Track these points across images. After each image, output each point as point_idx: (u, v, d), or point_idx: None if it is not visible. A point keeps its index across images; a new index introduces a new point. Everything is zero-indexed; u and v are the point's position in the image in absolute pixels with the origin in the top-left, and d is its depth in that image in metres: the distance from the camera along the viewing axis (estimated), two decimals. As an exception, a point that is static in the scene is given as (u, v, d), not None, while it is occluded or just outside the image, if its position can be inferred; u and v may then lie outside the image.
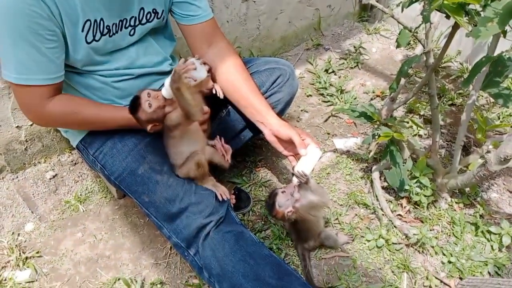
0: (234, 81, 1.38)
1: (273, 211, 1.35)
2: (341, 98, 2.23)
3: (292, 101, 1.61)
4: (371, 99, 2.28)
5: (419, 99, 2.22)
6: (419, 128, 2.02)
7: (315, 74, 2.43)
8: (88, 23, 1.17)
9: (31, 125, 1.70)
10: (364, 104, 1.64)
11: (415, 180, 1.58)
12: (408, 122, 1.99)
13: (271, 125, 1.38)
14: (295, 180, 1.38)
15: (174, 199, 1.26)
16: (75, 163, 1.84)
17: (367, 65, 2.56)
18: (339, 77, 2.43)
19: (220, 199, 1.31)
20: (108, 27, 1.22)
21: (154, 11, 1.32)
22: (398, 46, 1.44)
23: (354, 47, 2.66)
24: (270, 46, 2.54)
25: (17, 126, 1.67)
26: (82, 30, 1.16)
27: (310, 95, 2.29)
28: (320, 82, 2.34)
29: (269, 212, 1.40)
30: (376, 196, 1.68)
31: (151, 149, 1.34)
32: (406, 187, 1.57)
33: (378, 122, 1.57)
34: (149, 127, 1.22)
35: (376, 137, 1.47)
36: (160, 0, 1.31)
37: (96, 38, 1.20)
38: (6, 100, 1.59)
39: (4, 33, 1.06)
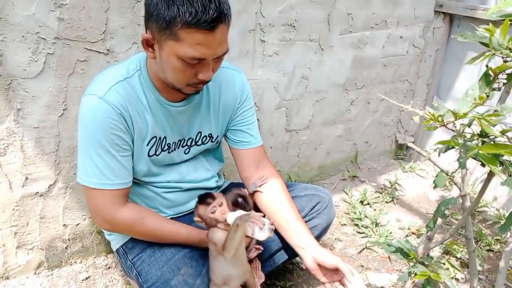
0: (277, 204, 1.45)
1: None
2: (376, 231, 2.23)
3: (328, 229, 1.64)
4: (407, 236, 2.27)
5: (455, 241, 2.19)
6: (455, 271, 1.96)
7: (350, 204, 2.47)
8: (154, 139, 1.32)
9: (77, 225, 1.80)
10: (401, 239, 1.64)
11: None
12: (444, 264, 1.94)
13: (314, 252, 1.37)
14: None
15: (202, 315, 1.26)
16: (109, 267, 1.87)
17: (402, 201, 2.59)
18: (374, 209, 2.47)
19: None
20: (168, 145, 1.37)
21: (210, 135, 1.47)
22: (435, 187, 1.49)
23: (390, 182, 2.74)
24: (307, 173, 2.65)
25: (64, 225, 1.77)
26: (147, 144, 1.31)
27: (345, 225, 2.31)
28: (355, 213, 2.37)
29: None
30: None
31: (187, 261, 1.38)
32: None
33: (414, 260, 1.55)
34: (195, 219, 1.30)
35: (412, 275, 1.44)
36: (217, 127, 1.47)
37: (157, 153, 1.35)
38: (60, 199, 1.71)
39: (86, 142, 1.21)
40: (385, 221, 2.36)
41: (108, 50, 1.59)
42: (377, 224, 2.30)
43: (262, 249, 1.46)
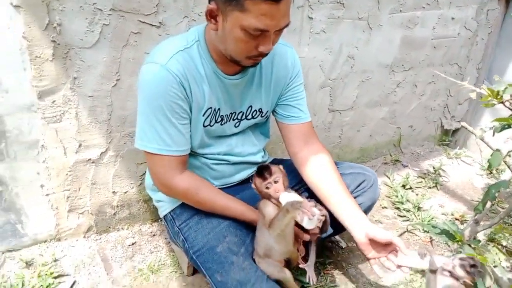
0: (327, 179, 1.44)
1: None
2: (418, 215, 2.20)
3: (371, 208, 1.63)
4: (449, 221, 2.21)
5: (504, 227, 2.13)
6: (500, 259, 1.90)
7: (391, 187, 2.44)
8: (210, 110, 1.35)
9: (125, 192, 1.87)
10: (446, 221, 1.61)
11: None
12: (490, 250, 1.89)
13: (366, 226, 1.36)
14: None
15: (245, 283, 1.28)
16: (154, 235, 1.94)
17: (446, 188, 2.53)
18: (417, 194, 2.42)
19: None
20: (221, 116, 1.40)
21: (260, 110, 1.48)
22: (489, 167, 1.45)
23: (434, 168, 2.68)
24: (349, 154, 2.63)
25: (113, 192, 1.84)
26: (203, 115, 1.35)
27: (386, 207, 2.28)
28: (397, 196, 2.34)
29: None
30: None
31: (232, 230, 1.41)
32: (489, 318, 1.46)
33: (460, 243, 1.52)
34: (253, 186, 1.33)
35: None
36: (267, 101, 1.48)
37: (211, 124, 1.38)
38: (111, 167, 1.78)
39: (147, 108, 1.25)
40: (427, 206, 2.31)
41: (160, 23, 1.62)
42: (419, 209, 2.26)
43: (319, 235, 1.46)
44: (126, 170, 1.82)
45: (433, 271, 1.37)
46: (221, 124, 1.42)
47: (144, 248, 1.87)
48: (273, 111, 1.55)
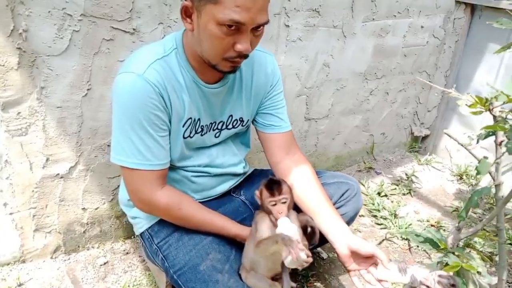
0: (309, 190, 1.41)
1: None
2: (395, 223, 2.20)
3: (355, 218, 1.61)
4: (425, 228, 2.23)
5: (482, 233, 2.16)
6: (477, 266, 1.93)
7: (367, 195, 2.44)
8: (190, 120, 1.28)
9: (96, 208, 1.76)
10: (430, 229, 1.61)
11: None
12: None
13: (348, 239, 1.33)
14: None
15: (232, 302, 1.23)
16: (127, 253, 1.84)
17: (419, 194, 2.56)
18: (392, 201, 2.44)
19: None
20: (202, 127, 1.33)
21: (241, 119, 1.43)
22: (477, 174, 1.44)
23: (406, 174, 2.70)
24: (324, 163, 2.61)
25: (83, 208, 1.73)
26: (183, 126, 1.27)
27: (363, 216, 2.28)
28: (373, 204, 2.34)
29: None
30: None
31: (215, 246, 1.34)
32: (475, 326, 1.45)
33: (444, 251, 1.52)
34: (257, 194, 1.26)
35: (439, 265, 1.41)
36: (248, 110, 1.43)
37: (191, 135, 1.31)
38: (81, 182, 1.68)
39: (124, 121, 1.17)
40: (403, 213, 2.33)
41: (134, 29, 1.54)
42: (395, 216, 2.27)
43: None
44: (97, 185, 1.72)
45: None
46: (201, 135, 1.35)
47: (117, 268, 1.76)
48: (253, 120, 1.51)
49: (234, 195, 1.57)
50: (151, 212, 1.36)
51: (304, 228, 1.32)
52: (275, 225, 1.21)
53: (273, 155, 1.48)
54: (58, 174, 1.61)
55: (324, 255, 1.92)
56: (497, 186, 1.50)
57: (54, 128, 1.52)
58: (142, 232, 1.46)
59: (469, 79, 2.79)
